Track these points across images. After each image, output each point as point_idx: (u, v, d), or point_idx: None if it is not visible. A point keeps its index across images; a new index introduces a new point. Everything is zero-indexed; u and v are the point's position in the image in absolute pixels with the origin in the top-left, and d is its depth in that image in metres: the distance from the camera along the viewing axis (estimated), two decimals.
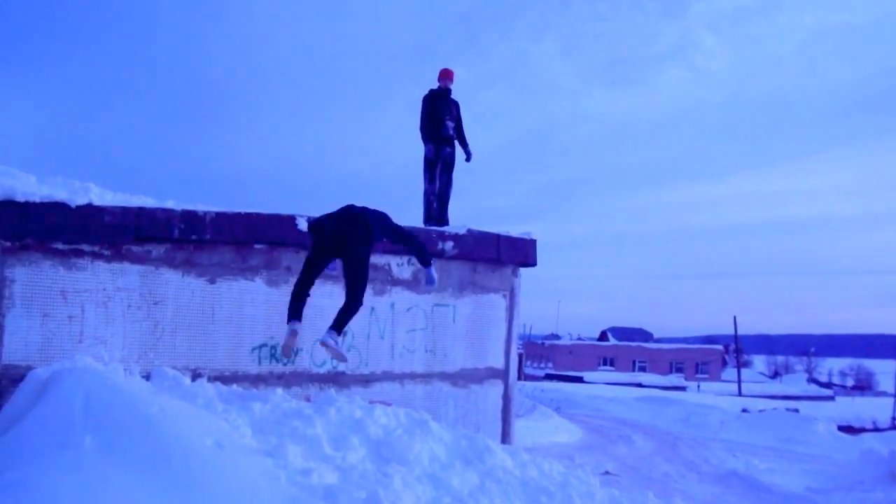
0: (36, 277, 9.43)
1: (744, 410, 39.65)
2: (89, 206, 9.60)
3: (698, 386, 74.01)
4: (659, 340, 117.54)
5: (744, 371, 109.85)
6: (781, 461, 22.57)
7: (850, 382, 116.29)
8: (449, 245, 13.09)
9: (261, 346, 11.12)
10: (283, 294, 11.06)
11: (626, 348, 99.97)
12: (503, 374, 14.11)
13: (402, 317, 12.65)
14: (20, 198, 9.24)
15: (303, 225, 11.27)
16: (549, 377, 77.28)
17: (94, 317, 9.79)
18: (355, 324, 11.85)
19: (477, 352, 13.70)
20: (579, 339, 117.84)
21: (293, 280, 10.81)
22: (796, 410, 43.83)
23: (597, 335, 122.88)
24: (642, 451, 24.16)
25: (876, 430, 47.47)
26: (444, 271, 13.11)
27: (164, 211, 10.17)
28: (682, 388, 69.58)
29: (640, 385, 67.09)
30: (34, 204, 9.27)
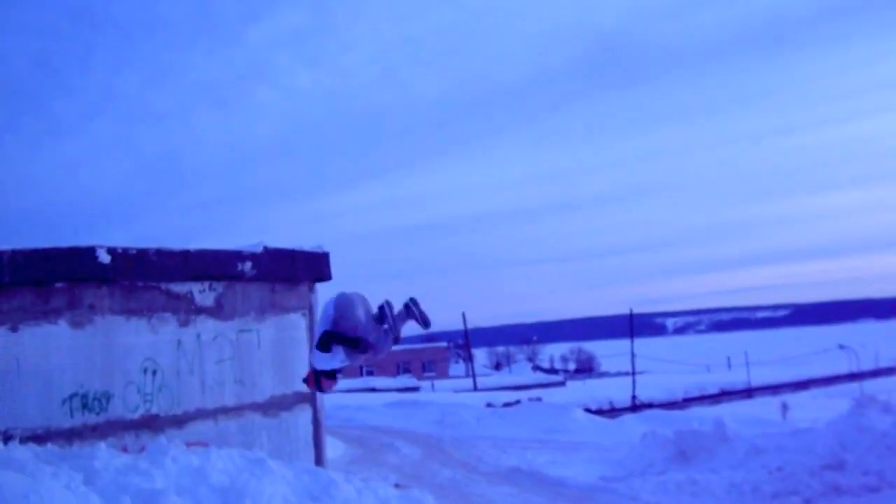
0: None
1: (488, 405, 40.04)
2: None
3: (432, 384, 74.69)
4: None
5: (468, 365, 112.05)
6: (556, 453, 22.72)
7: (572, 366, 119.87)
8: (248, 266, 12.31)
9: (71, 397, 10.10)
10: (90, 335, 10.16)
11: None
12: (311, 398, 13.41)
13: (208, 347, 11.80)
14: None
15: (104, 257, 10.30)
16: None
17: None
18: (164, 360, 11.02)
19: (284, 377, 12.97)
20: None
21: (98, 320, 9.91)
22: (539, 399, 44.67)
23: None
24: (413, 458, 23.84)
25: (613, 409, 48.93)
26: (245, 294, 12.40)
27: None
28: (416, 389, 70.09)
29: (374, 390, 67.14)
30: None
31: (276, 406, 12.76)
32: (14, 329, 9.61)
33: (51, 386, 9.91)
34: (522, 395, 52.78)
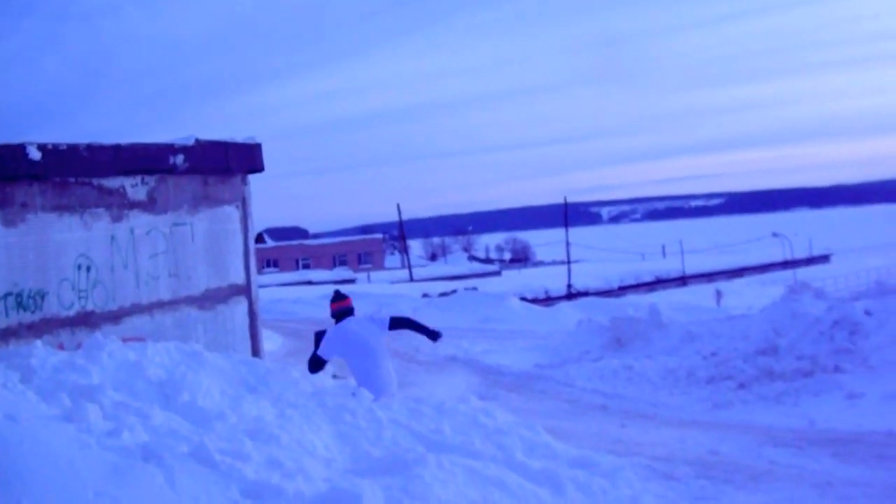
0: None
1: (424, 295, 40.25)
2: None
3: (368, 276, 75.06)
4: (316, 236, 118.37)
5: (403, 257, 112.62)
6: (493, 342, 23.06)
7: (507, 256, 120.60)
8: (180, 159, 12.21)
9: (6, 296, 10.01)
10: (23, 234, 10.11)
11: (286, 248, 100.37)
12: (246, 290, 13.48)
13: (142, 242, 11.75)
14: None
15: (34, 154, 10.19)
16: None
17: None
18: (98, 256, 11.00)
19: (218, 270, 12.99)
20: None
21: (31, 217, 9.89)
22: (475, 289, 44.99)
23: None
24: None
25: (549, 298, 49.40)
26: (178, 187, 12.33)
27: None
28: (353, 281, 70.42)
29: (310, 283, 67.33)
30: None
31: (211, 299, 12.79)
32: None
33: None
34: (458, 285, 53.22)
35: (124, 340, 9.85)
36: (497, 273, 78.43)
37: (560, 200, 70.78)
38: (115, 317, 11.27)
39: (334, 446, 7.91)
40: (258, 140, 13.78)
